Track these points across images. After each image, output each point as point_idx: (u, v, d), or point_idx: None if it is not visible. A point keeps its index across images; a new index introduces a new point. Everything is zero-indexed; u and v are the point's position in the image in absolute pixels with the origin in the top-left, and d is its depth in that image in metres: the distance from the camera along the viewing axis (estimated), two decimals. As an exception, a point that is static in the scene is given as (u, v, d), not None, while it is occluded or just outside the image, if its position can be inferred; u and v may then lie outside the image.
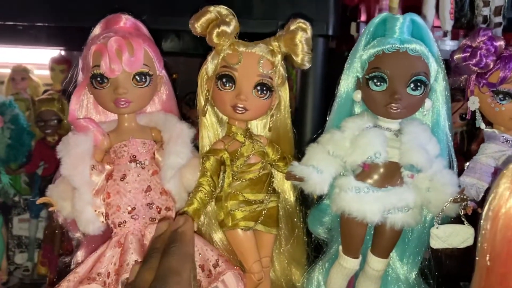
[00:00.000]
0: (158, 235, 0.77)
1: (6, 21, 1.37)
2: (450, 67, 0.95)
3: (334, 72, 1.28)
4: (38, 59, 2.14)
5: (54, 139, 1.64)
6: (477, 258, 0.57)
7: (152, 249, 0.73)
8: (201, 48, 1.87)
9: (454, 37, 1.57)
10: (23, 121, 1.56)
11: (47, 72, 2.08)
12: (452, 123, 0.96)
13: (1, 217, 1.56)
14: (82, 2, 1.35)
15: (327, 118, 0.95)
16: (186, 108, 1.69)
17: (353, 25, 1.57)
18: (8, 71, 2.08)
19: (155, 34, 1.04)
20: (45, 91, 1.93)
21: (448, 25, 1.50)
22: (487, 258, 0.54)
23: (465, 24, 1.58)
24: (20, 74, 2.01)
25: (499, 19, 1.52)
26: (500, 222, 0.53)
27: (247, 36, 0.92)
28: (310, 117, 1.42)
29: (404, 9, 1.49)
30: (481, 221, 0.58)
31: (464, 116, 1.61)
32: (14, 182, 1.63)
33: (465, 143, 1.75)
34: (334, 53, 1.60)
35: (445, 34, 1.51)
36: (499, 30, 1.54)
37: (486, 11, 1.52)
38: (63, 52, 2.04)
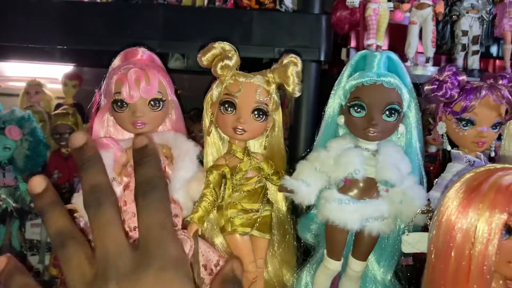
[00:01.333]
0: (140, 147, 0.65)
1: (23, 44, 1.50)
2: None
3: (327, 91, 1.42)
4: (51, 73, 2.27)
5: (68, 151, 1.77)
6: (427, 257, 0.71)
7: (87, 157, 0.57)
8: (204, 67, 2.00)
9: (436, 63, 1.70)
10: (40, 133, 1.69)
11: (59, 86, 2.20)
12: (434, 141, 1.08)
13: (17, 221, 1.68)
14: (96, 27, 1.49)
15: (315, 138, 1.09)
16: (190, 123, 1.81)
17: (344, 51, 1.70)
18: (23, 84, 2.20)
19: (162, 54, 1.16)
20: (57, 105, 2.06)
21: (430, 52, 1.63)
22: (432, 257, 0.68)
23: (446, 51, 1.72)
24: (34, 88, 2.13)
25: (476, 47, 1.66)
26: (442, 227, 0.67)
27: (247, 60, 1.06)
28: (303, 133, 1.55)
29: (391, 38, 1.63)
30: (429, 227, 0.72)
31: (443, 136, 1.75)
32: (30, 190, 1.75)
33: (447, 159, 1.89)
34: (327, 74, 1.73)
35: (427, 60, 1.64)
36: (476, 57, 1.68)
37: (464, 40, 1.65)
38: (74, 68, 2.17)
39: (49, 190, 0.53)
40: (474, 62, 1.67)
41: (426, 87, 1.03)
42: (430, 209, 0.96)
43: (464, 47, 1.66)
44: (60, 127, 1.75)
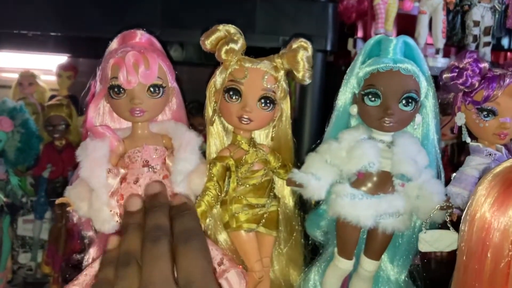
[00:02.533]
0: (154, 194, 0.76)
1: (16, 30, 1.43)
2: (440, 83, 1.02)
3: (332, 84, 1.36)
4: (45, 65, 2.20)
5: (62, 143, 1.71)
6: (457, 257, 0.65)
7: (158, 203, 0.72)
8: (204, 58, 1.95)
9: (446, 54, 1.65)
10: (32, 125, 1.62)
11: (53, 78, 2.14)
12: (442, 136, 1.03)
13: (8, 217, 1.62)
14: (93, 13, 1.42)
15: (325, 129, 1.02)
16: (189, 116, 1.74)
17: (350, 41, 1.64)
18: (15, 76, 2.14)
19: (161, 42, 1.10)
20: (51, 97, 1.99)
21: (440, 43, 1.58)
22: (464, 257, 0.62)
23: (456, 42, 1.67)
24: (28, 79, 2.07)
25: (488, 38, 1.61)
26: (475, 225, 0.60)
27: (250, 49, 0.99)
28: (308, 126, 1.49)
29: (399, 29, 1.57)
30: (461, 225, 0.65)
31: (453, 130, 1.70)
32: (22, 183, 1.68)
33: (456, 155, 1.83)
34: (332, 66, 1.67)
35: (437, 52, 1.59)
36: (488, 49, 1.62)
37: (476, 31, 1.60)
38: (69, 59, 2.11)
39: (141, 212, 0.67)
40: (486, 54, 1.62)
41: (444, 75, 0.97)
42: (450, 205, 0.89)
43: (475, 38, 1.62)
44: (54, 118, 1.68)
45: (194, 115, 1.75)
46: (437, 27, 1.57)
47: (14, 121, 1.57)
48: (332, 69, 1.59)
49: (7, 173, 1.59)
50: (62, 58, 2.11)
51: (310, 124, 1.47)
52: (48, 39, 1.70)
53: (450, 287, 0.68)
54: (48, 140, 1.73)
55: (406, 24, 1.61)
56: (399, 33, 1.62)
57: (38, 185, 1.79)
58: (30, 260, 1.91)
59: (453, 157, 1.80)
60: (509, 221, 0.57)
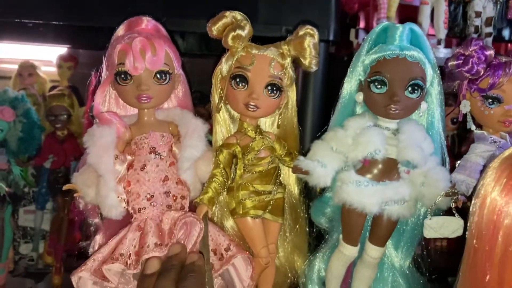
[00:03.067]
0: (173, 254, 0.82)
1: (15, 19, 1.42)
2: (444, 73, 1.03)
3: (334, 75, 1.36)
4: (45, 56, 2.19)
5: (63, 133, 1.70)
6: (467, 240, 0.65)
7: (171, 265, 0.79)
8: (205, 49, 1.94)
9: (448, 45, 1.65)
10: (34, 115, 1.61)
11: (53, 69, 2.12)
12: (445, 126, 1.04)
13: (10, 207, 1.61)
14: (94, 2, 1.41)
15: (330, 118, 1.02)
16: (191, 106, 1.75)
17: (353, 32, 1.65)
18: (15, 67, 2.12)
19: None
20: (52, 87, 1.98)
21: (442, 33, 1.58)
22: (474, 240, 0.62)
23: (458, 33, 1.67)
24: (28, 70, 2.06)
25: (489, 29, 1.62)
26: (486, 208, 0.61)
27: (253, 39, 0.99)
28: (311, 116, 1.49)
29: (401, 20, 1.57)
30: (471, 208, 0.66)
31: (455, 120, 1.70)
32: (24, 174, 1.68)
33: (456, 145, 1.84)
34: (333, 57, 1.67)
35: (439, 42, 1.59)
36: (489, 40, 1.63)
37: (477, 22, 1.61)
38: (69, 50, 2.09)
39: (155, 275, 0.78)
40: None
41: (450, 63, 0.97)
42: (456, 191, 0.90)
43: (477, 29, 1.62)
44: (56, 108, 1.68)
45: (196, 105, 1.74)
46: (439, 18, 1.57)
47: (15, 111, 1.56)
48: (334, 60, 1.60)
49: (9, 163, 1.58)
50: (62, 49, 2.10)
51: (313, 114, 1.47)
52: (48, 30, 1.69)
53: (459, 271, 0.68)
54: (50, 130, 1.72)
55: (408, 14, 1.61)
56: (401, 23, 1.62)
57: (40, 175, 1.79)
58: (32, 251, 1.91)
59: (453, 147, 1.81)
60: (519, 203, 0.57)
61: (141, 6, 1.41)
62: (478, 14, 1.60)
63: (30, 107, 1.62)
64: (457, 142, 1.81)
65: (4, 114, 1.54)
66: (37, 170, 1.80)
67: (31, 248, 1.92)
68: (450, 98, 1.25)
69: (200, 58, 1.87)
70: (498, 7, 1.62)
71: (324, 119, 1.43)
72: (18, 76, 2.07)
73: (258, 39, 0.99)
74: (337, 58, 1.73)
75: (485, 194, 0.62)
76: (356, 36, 1.64)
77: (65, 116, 1.69)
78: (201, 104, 1.75)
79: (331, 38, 1.45)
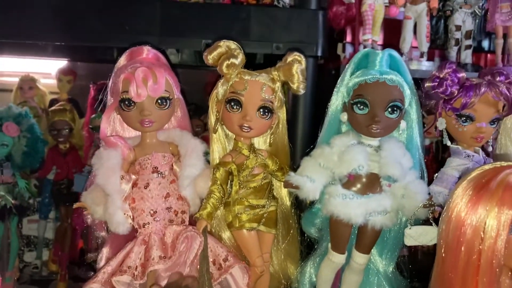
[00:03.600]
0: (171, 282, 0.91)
1: (17, 40, 1.48)
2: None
3: (322, 86, 1.43)
4: (44, 68, 2.24)
5: (66, 147, 1.77)
6: (436, 251, 0.74)
7: None
8: (198, 61, 2.00)
9: (430, 57, 1.73)
10: (37, 130, 1.68)
11: (52, 81, 2.18)
12: (428, 134, 1.11)
13: (16, 218, 1.68)
14: (93, 23, 1.47)
15: (318, 132, 1.11)
16: (188, 118, 1.81)
17: (340, 46, 1.72)
18: (15, 80, 2.18)
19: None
20: (52, 100, 2.04)
21: (425, 47, 1.66)
22: (442, 250, 0.71)
23: (440, 45, 1.76)
24: (28, 83, 2.11)
25: (469, 41, 1.70)
26: (452, 223, 0.70)
27: (246, 55, 1.06)
28: (301, 128, 1.56)
29: (386, 33, 1.65)
30: (439, 222, 0.75)
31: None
32: (29, 185, 1.74)
33: (440, 151, 1.93)
34: (322, 69, 1.75)
35: (421, 55, 1.67)
36: (469, 52, 1.71)
37: (458, 35, 1.69)
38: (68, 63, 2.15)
39: None
40: (467, 56, 1.71)
41: (426, 84, 1.05)
42: (432, 203, 0.99)
43: (457, 42, 1.70)
44: (58, 123, 1.75)
45: (192, 117, 1.81)
46: (421, 32, 1.65)
47: (20, 126, 1.62)
48: (323, 72, 1.67)
49: (14, 176, 1.64)
50: (61, 62, 2.16)
51: (303, 126, 1.54)
52: (48, 45, 1.74)
53: (431, 278, 0.77)
54: (52, 144, 1.79)
55: (392, 29, 1.69)
56: (385, 37, 1.70)
57: (43, 186, 1.85)
58: (36, 259, 1.97)
59: (438, 153, 1.90)
60: (479, 219, 0.66)
61: (138, 25, 1.48)
62: (458, 28, 1.68)
63: (34, 122, 1.68)
64: (441, 148, 1.89)
65: (9, 129, 1.61)
66: (40, 181, 1.85)
67: (35, 256, 1.98)
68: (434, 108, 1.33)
69: (194, 69, 1.94)
70: (477, 20, 1.70)
71: (314, 130, 1.50)
72: (19, 89, 2.11)
73: (251, 55, 1.05)
74: (326, 70, 1.81)
75: (451, 211, 0.71)
76: (343, 50, 1.71)
77: (67, 130, 1.76)
78: (195, 115, 1.83)
79: (319, 53, 1.52)
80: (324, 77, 1.61)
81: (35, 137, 1.65)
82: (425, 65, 1.64)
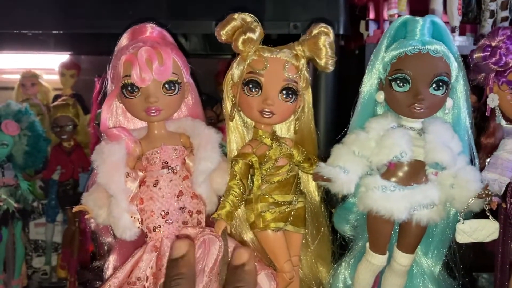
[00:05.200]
0: (178, 257, 0.73)
1: (14, 30, 1.38)
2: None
3: (345, 69, 1.30)
4: (47, 64, 2.15)
5: (70, 145, 1.67)
6: None
7: (177, 275, 0.70)
8: (209, 49, 1.89)
9: (461, 32, 1.59)
10: (39, 127, 1.58)
11: (56, 77, 2.08)
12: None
13: (20, 222, 1.58)
14: (94, 8, 1.37)
15: (347, 116, 0.97)
16: (199, 109, 1.70)
17: (362, 23, 1.59)
18: (17, 77, 2.09)
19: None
20: (55, 96, 1.94)
21: (456, 21, 1.52)
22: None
23: (472, 19, 1.61)
24: (30, 80, 2.03)
25: (505, 13, 1.54)
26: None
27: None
28: (323, 116, 1.44)
29: (412, 9, 1.51)
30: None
31: (472, 109, 1.64)
32: (32, 188, 1.64)
33: (474, 135, 1.78)
34: (343, 50, 1.62)
35: (453, 30, 1.53)
36: (505, 24, 1.56)
37: (493, 6, 1.54)
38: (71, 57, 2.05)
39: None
40: (504, 29, 1.56)
41: (475, 55, 0.91)
42: (489, 192, 0.85)
43: (492, 14, 1.55)
44: (61, 119, 1.64)
45: (204, 108, 1.70)
46: (452, 4, 1.51)
47: (20, 124, 1.52)
48: (344, 53, 1.54)
49: (16, 178, 1.54)
50: (64, 57, 2.06)
51: (325, 113, 1.42)
52: (49, 38, 1.65)
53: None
54: (56, 142, 1.69)
55: (419, 2, 1.56)
56: (412, 12, 1.56)
57: (48, 187, 1.75)
58: (45, 264, 1.88)
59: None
60: None
61: (144, 8, 1.37)
62: (493, -2, 1.53)
63: (35, 119, 1.58)
64: (476, 131, 1.74)
65: (8, 128, 1.51)
66: (45, 182, 1.77)
67: (44, 261, 1.89)
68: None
69: (204, 58, 1.82)
70: (514, -11, 1.55)
71: (338, 117, 1.38)
72: (20, 86, 2.04)
73: (265, 37, 0.93)
74: (348, 51, 1.67)
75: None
76: (367, 28, 1.58)
77: (71, 126, 1.65)
78: (207, 106, 1.71)
79: (341, 32, 1.40)
80: (347, 57, 1.49)
81: (36, 135, 1.56)
82: (458, 40, 1.50)
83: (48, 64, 2.14)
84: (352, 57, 1.57)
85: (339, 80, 1.42)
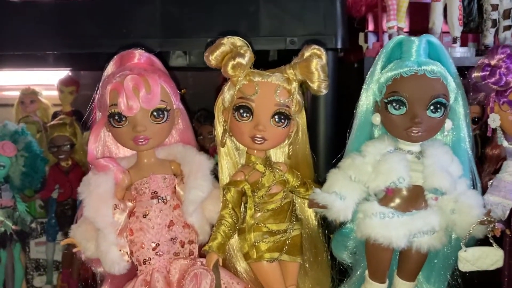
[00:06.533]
0: None
1: (13, 51, 1.37)
2: (463, 75, 0.93)
3: (343, 82, 1.27)
4: (46, 80, 2.14)
5: (68, 164, 1.64)
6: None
7: None
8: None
9: (463, 42, 1.55)
10: (36, 147, 1.55)
11: (55, 93, 2.07)
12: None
13: (19, 244, 1.56)
14: (89, 28, 1.35)
15: (346, 140, 0.94)
16: (198, 125, 1.68)
17: (361, 35, 1.56)
18: (17, 94, 2.07)
19: (163, 53, 1.01)
20: (55, 113, 1.92)
21: (457, 31, 1.48)
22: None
23: (474, 28, 1.57)
24: (29, 97, 2.00)
25: (508, 22, 1.51)
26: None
27: (256, 52, 0.91)
28: (323, 133, 1.40)
29: (412, 19, 1.48)
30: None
31: (476, 119, 1.60)
32: (30, 208, 1.62)
33: (479, 146, 1.73)
34: (342, 63, 1.59)
35: (454, 41, 1.49)
36: (508, 33, 1.52)
37: (495, 15, 1.50)
38: (70, 73, 2.04)
39: None
40: (506, 38, 1.52)
41: (474, 74, 0.88)
42: (491, 219, 0.81)
43: (494, 23, 1.51)
44: (58, 139, 1.61)
45: (203, 123, 1.67)
46: (452, 14, 1.47)
47: (17, 145, 1.50)
48: (344, 66, 1.51)
49: (14, 199, 1.52)
50: (64, 72, 2.05)
51: (325, 130, 1.38)
52: (48, 55, 1.64)
53: None
54: (54, 161, 1.66)
55: (419, 13, 1.52)
56: (412, 24, 1.53)
57: (48, 206, 1.73)
58: (46, 283, 1.86)
59: (476, 149, 1.71)
60: None
61: (138, 27, 1.35)
62: (495, 7, 1.49)
63: (32, 139, 1.56)
64: (480, 142, 1.70)
65: (5, 149, 1.49)
66: (45, 201, 1.74)
67: (45, 280, 1.87)
68: (469, 96, 1.16)
69: (203, 71, 1.80)
70: (516, -3, 1.51)
71: (337, 133, 1.34)
72: (20, 103, 2.02)
73: (262, 53, 0.91)
74: (347, 64, 1.64)
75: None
76: (366, 40, 1.54)
77: (68, 146, 1.62)
78: (207, 122, 1.68)
79: (339, 46, 1.37)
80: (346, 70, 1.46)
81: (33, 155, 1.53)
82: (459, 52, 1.46)
83: (48, 80, 2.12)
84: (351, 70, 1.54)
85: (339, 96, 1.39)
